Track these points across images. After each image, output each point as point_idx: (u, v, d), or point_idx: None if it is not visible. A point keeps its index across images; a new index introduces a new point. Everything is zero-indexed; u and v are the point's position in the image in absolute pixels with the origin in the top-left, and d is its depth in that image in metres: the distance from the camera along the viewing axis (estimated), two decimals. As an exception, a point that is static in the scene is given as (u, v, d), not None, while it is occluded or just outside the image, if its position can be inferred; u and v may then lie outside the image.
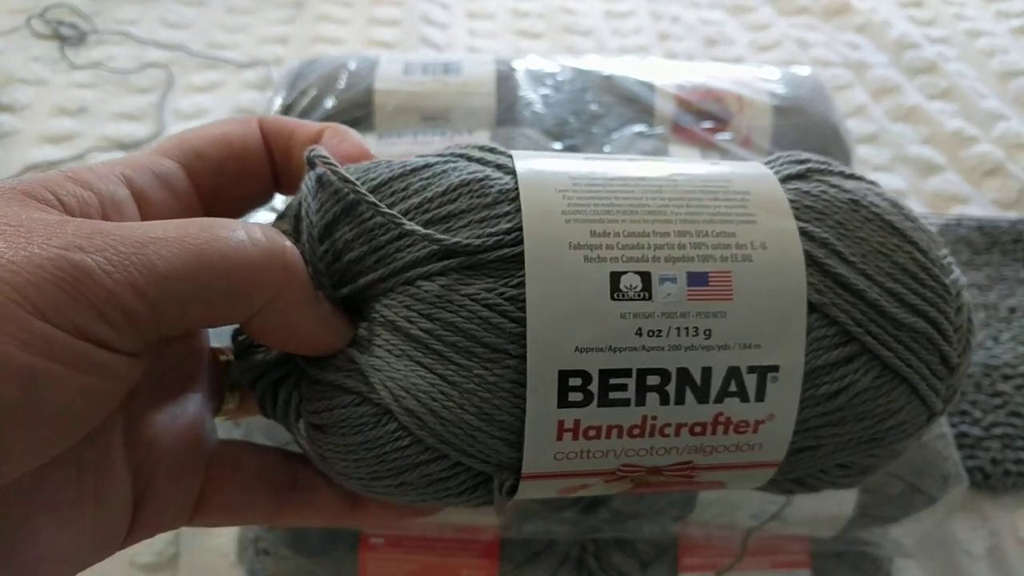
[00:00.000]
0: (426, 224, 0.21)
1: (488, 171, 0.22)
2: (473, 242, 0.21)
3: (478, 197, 0.22)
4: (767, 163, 0.25)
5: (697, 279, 0.21)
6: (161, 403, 0.22)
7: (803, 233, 0.22)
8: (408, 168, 0.22)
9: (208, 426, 0.23)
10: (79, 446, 0.18)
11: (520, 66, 0.59)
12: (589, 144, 0.54)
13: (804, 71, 0.62)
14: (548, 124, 0.55)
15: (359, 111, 0.55)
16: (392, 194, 0.22)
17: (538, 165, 0.23)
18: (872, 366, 0.22)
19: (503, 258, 0.21)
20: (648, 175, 0.23)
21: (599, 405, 0.21)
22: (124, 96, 0.70)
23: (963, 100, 0.72)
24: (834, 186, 0.24)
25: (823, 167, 0.25)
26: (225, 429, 0.25)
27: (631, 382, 0.21)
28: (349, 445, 0.21)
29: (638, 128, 0.55)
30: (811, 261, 0.22)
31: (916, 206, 0.62)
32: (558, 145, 0.54)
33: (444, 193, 0.22)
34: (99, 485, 0.19)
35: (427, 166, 0.23)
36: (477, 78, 0.57)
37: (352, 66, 0.57)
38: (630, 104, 0.56)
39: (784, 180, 0.24)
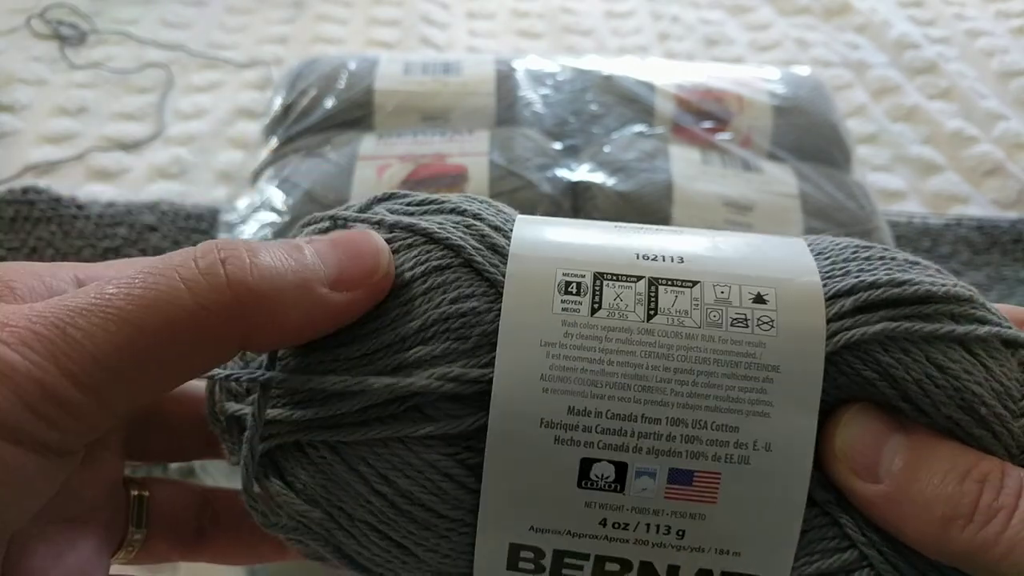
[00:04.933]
0: (393, 370, 0.19)
1: (475, 298, 0.19)
2: (438, 424, 0.19)
3: (456, 340, 0.19)
4: (836, 295, 0.19)
5: (680, 477, 0.18)
6: (50, 536, 0.19)
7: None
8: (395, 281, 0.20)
9: (102, 565, 0.21)
10: None
11: (520, 66, 0.59)
12: (589, 144, 0.54)
13: (804, 71, 0.62)
14: (548, 124, 0.55)
15: (359, 111, 0.55)
16: (368, 320, 0.19)
17: (531, 293, 0.19)
18: None
19: (469, 428, 0.19)
20: (662, 323, 0.19)
21: None
22: (124, 96, 0.70)
23: (963, 100, 0.72)
24: (887, 370, 0.18)
25: (909, 315, 0.19)
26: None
27: (588, 565, 0.19)
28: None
29: (638, 128, 0.55)
30: (821, 465, 0.19)
31: (916, 206, 0.62)
32: (558, 145, 0.54)
33: (419, 330, 0.19)
34: None
35: (408, 284, 0.19)
36: (477, 78, 0.57)
37: (352, 66, 0.57)
38: (630, 104, 0.56)
39: (840, 349, 0.19)
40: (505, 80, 0.57)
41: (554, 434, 0.18)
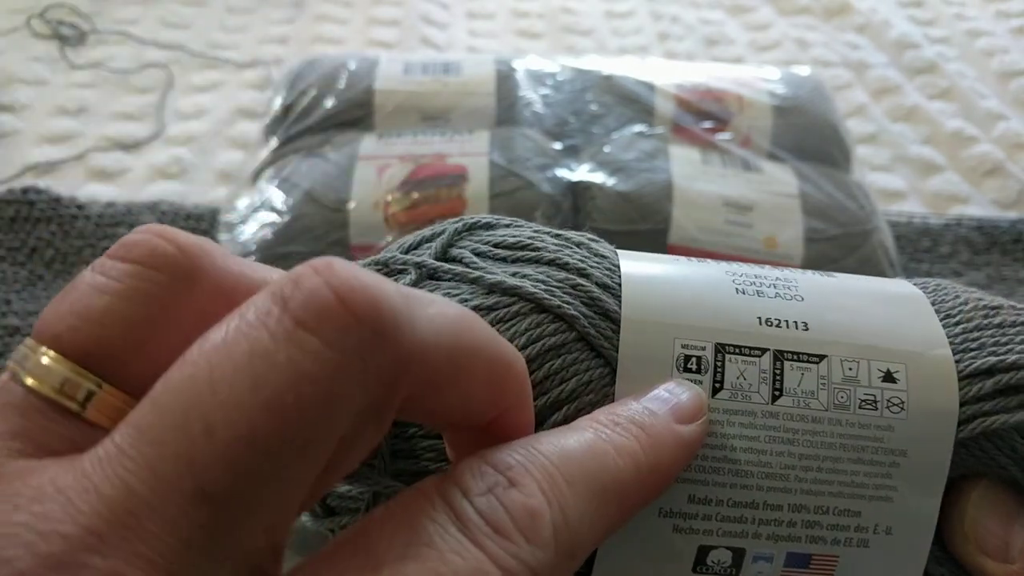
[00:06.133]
0: None
1: (592, 384, 0.18)
2: None
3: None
4: (973, 374, 0.18)
5: (797, 560, 0.17)
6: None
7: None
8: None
9: None
10: None
11: (520, 66, 0.59)
12: (589, 144, 0.54)
13: (804, 71, 0.62)
14: (548, 124, 0.55)
15: (359, 111, 0.56)
16: None
17: (648, 374, 0.18)
18: None
19: None
20: (787, 405, 0.17)
21: None
22: (124, 96, 0.70)
23: (963, 100, 0.72)
24: None
25: None
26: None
27: None
28: None
29: (638, 128, 0.55)
30: (937, 539, 0.18)
31: (916, 206, 0.62)
32: (558, 145, 0.54)
33: (538, 425, 0.17)
34: None
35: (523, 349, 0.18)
36: (477, 78, 0.57)
37: (352, 66, 0.57)
38: (630, 104, 0.56)
39: (973, 438, 0.18)
40: (505, 80, 0.57)
41: (673, 523, 0.17)
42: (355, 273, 0.13)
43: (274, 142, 0.55)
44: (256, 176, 0.53)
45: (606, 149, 0.53)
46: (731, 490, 0.17)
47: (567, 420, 0.17)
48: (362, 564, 0.12)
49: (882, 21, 0.81)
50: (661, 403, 0.17)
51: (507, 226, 0.20)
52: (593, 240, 0.20)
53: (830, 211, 0.50)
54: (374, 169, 0.50)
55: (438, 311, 0.14)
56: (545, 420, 0.18)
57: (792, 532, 0.17)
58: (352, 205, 0.49)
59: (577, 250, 0.20)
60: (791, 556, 0.18)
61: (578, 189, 0.51)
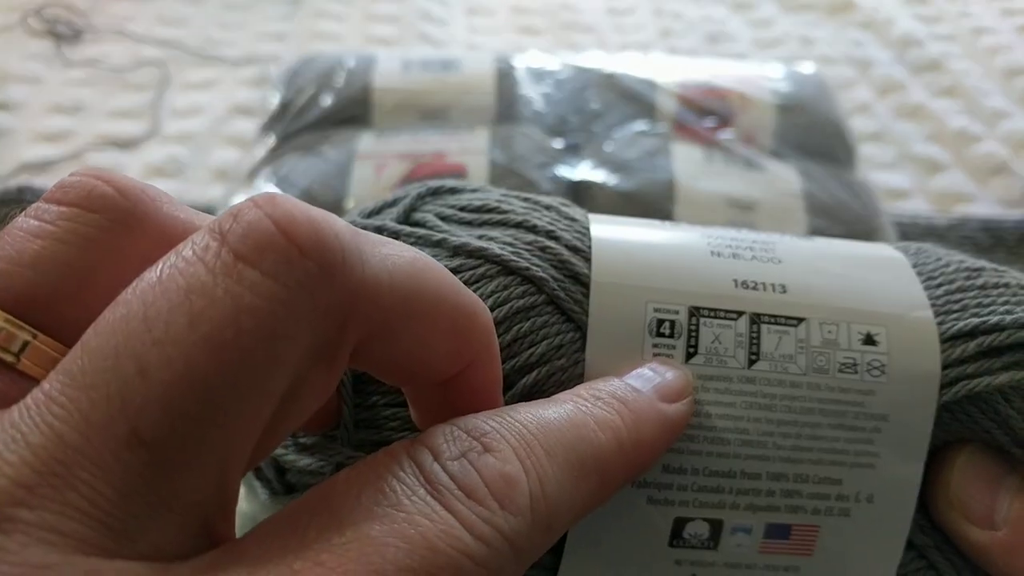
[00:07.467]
0: None
1: (564, 349, 0.17)
2: None
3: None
4: (955, 336, 0.17)
5: (776, 531, 0.17)
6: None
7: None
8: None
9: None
10: None
11: (520, 63, 0.58)
12: (590, 142, 0.53)
13: (807, 68, 0.61)
14: (548, 122, 0.55)
15: (357, 109, 0.55)
16: None
17: (619, 338, 0.17)
18: None
19: None
20: (764, 370, 0.17)
21: None
22: (120, 94, 0.69)
23: (968, 98, 0.71)
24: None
25: None
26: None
27: None
28: None
29: (639, 126, 0.54)
30: (922, 508, 0.17)
31: (921, 204, 0.61)
32: (558, 143, 0.53)
33: (506, 389, 0.17)
34: None
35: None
36: (476, 76, 0.56)
37: (350, 63, 0.57)
38: (631, 102, 0.55)
39: (956, 401, 0.17)
40: (505, 78, 0.57)
41: (647, 494, 0.17)
42: (299, 206, 0.12)
43: (271, 140, 0.54)
44: (253, 174, 0.53)
45: (607, 147, 0.52)
46: (707, 458, 0.17)
47: (538, 384, 0.17)
48: (325, 523, 0.12)
49: (886, 18, 0.81)
50: (645, 381, 0.16)
51: (473, 190, 0.20)
52: (564, 204, 0.20)
53: (834, 210, 0.50)
54: (372, 167, 0.50)
55: (392, 251, 0.13)
56: (514, 384, 0.17)
57: (771, 502, 0.17)
58: (350, 204, 0.48)
59: (546, 212, 0.19)
60: (771, 527, 0.17)
61: (579, 188, 0.50)
